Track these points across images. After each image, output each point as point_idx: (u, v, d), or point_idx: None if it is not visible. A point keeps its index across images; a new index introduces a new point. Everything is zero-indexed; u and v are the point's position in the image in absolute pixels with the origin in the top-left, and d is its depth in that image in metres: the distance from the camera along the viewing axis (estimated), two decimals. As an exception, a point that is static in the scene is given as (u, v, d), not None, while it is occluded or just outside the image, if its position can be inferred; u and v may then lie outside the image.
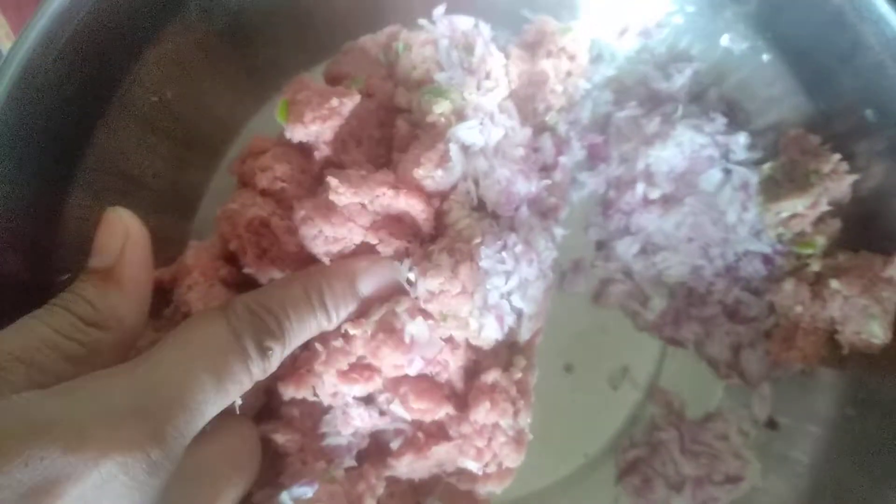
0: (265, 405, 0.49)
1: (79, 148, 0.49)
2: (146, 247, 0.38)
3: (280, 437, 0.46)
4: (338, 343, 0.45)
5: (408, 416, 0.48)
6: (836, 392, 0.56)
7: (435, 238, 0.49)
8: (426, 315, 0.47)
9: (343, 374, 0.45)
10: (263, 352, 0.37)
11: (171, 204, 0.56)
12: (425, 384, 0.48)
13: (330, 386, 0.45)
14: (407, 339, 0.46)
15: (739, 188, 0.55)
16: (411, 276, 0.46)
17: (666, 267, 0.58)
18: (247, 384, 0.37)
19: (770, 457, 0.57)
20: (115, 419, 0.29)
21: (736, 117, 0.58)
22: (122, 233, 0.36)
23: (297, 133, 0.44)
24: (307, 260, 0.44)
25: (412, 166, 0.47)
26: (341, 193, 0.43)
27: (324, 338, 0.45)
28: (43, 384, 0.31)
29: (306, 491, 0.46)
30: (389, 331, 0.45)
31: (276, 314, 0.38)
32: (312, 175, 0.46)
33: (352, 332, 0.44)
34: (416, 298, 0.47)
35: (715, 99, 0.58)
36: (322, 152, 0.45)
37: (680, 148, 0.55)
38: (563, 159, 0.56)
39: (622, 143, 0.58)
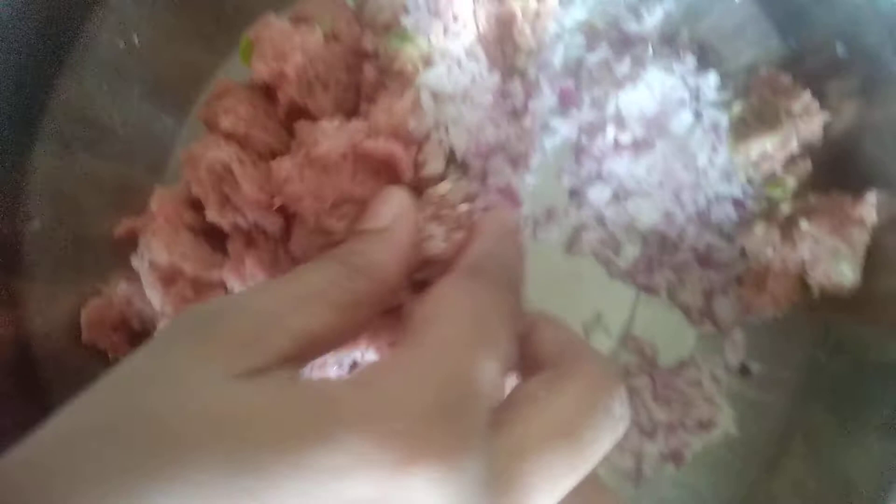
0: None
1: (42, 94, 0.49)
2: (415, 220, 0.38)
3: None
4: None
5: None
6: (808, 337, 0.56)
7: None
8: (419, 287, 0.46)
9: None
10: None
11: (141, 153, 0.56)
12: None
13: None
14: (404, 317, 0.45)
15: (710, 130, 0.54)
16: None
17: (638, 213, 0.57)
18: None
19: (743, 403, 0.58)
20: (428, 422, 0.24)
21: (707, 59, 0.57)
22: (398, 203, 0.37)
23: (260, 72, 0.43)
24: (269, 207, 0.44)
25: (384, 115, 0.47)
26: (322, 144, 0.42)
27: None
28: (309, 341, 0.27)
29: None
30: (387, 311, 0.45)
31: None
32: (278, 119, 0.46)
33: None
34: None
35: (686, 41, 0.57)
36: (286, 93, 0.44)
37: (650, 90, 0.55)
38: (532, 104, 0.56)
39: (593, 87, 0.57)
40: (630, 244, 0.60)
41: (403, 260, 0.35)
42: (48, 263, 0.51)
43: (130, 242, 0.52)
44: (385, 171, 0.45)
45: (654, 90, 0.55)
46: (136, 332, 0.51)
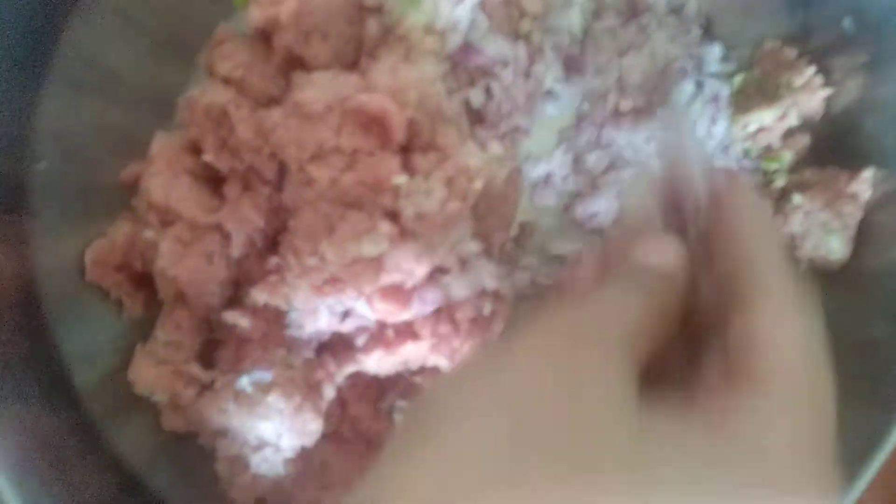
0: (233, 294, 0.51)
1: (52, 37, 0.50)
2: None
3: (245, 322, 0.48)
4: (313, 261, 0.45)
5: (372, 316, 0.49)
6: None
7: (407, 150, 0.49)
8: (406, 237, 0.47)
9: (316, 288, 0.46)
10: None
11: (149, 102, 0.56)
12: (391, 289, 0.49)
13: (303, 296, 0.47)
14: (388, 268, 0.46)
15: (710, 101, 0.55)
16: (401, 179, 0.46)
17: (635, 181, 0.58)
18: None
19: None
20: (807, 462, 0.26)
21: (714, 32, 0.57)
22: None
23: (255, 17, 0.44)
24: (261, 151, 0.44)
25: (386, 77, 0.47)
26: (306, 93, 0.43)
27: (297, 251, 0.46)
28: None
29: (265, 375, 0.48)
30: (369, 260, 0.46)
31: None
32: (275, 66, 0.47)
33: (330, 257, 0.45)
34: (400, 215, 0.46)
35: (694, 12, 0.57)
36: (281, 40, 0.45)
37: (653, 59, 0.55)
38: (535, 69, 0.56)
39: (598, 54, 0.57)
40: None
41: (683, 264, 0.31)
42: (54, 204, 0.52)
43: (136, 187, 0.54)
44: (376, 129, 0.45)
45: (657, 59, 0.55)
46: (138, 273, 0.52)
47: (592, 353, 0.25)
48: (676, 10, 0.58)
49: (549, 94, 0.59)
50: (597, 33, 0.58)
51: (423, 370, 0.53)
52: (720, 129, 0.54)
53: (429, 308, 0.50)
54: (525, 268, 0.58)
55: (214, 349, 0.52)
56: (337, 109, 0.43)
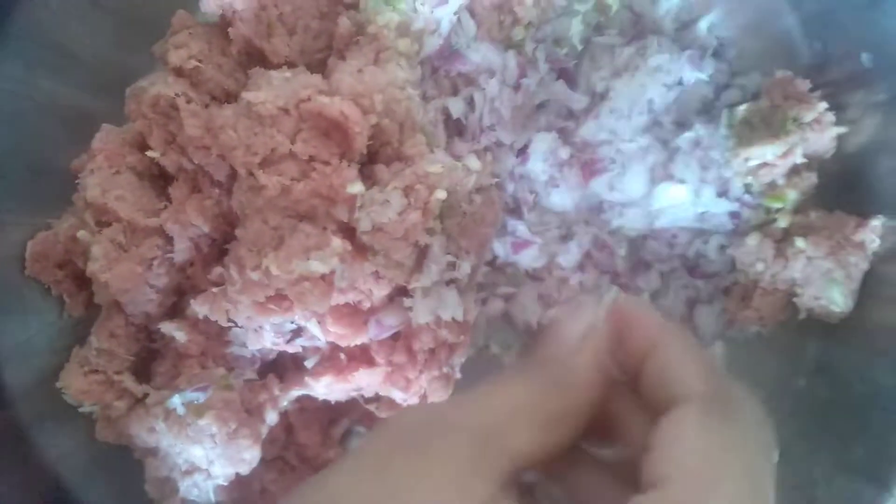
0: (173, 304, 0.47)
1: (4, 11, 0.46)
2: (608, 333, 0.33)
3: (182, 337, 0.44)
4: (255, 276, 0.41)
5: (323, 338, 0.45)
6: (789, 359, 0.52)
7: (373, 159, 0.45)
8: (363, 253, 0.43)
9: (259, 305, 0.42)
10: None
11: (110, 87, 0.52)
12: (346, 309, 0.45)
13: (245, 312, 0.43)
14: (341, 287, 0.42)
15: (697, 146, 0.50)
16: (357, 188, 0.42)
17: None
18: None
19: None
20: None
21: (725, 54, 0.53)
22: (590, 318, 0.33)
23: (210, 4, 0.40)
24: (210, 150, 0.41)
25: (351, 79, 0.43)
26: (259, 93, 0.39)
27: (240, 264, 0.42)
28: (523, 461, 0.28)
29: (199, 396, 0.44)
30: (318, 277, 0.42)
31: None
32: (234, 59, 0.43)
33: (274, 272, 0.41)
34: (356, 222, 0.42)
35: (704, 32, 0.53)
36: (238, 31, 0.41)
37: (648, 85, 0.51)
38: (525, 81, 0.52)
39: (592, 72, 0.53)
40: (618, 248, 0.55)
41: (596, 375, 0.32)
42: (1, 187, 0.49)
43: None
44: (336, 135, 0.41)
45: (652, 87, 0.51)
46: (80, 271, 0.49)
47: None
48: (685, 27, 0.54)
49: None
50: (596, 48, 0.54)
51: (378, 398, 0.48)
52: (711, 174, 0.50)
53: (386, 332, 0.46)
54: (502, 296, 0.54)
55: (154, 360, 0.48)
56: (293, 112, 0.39)
